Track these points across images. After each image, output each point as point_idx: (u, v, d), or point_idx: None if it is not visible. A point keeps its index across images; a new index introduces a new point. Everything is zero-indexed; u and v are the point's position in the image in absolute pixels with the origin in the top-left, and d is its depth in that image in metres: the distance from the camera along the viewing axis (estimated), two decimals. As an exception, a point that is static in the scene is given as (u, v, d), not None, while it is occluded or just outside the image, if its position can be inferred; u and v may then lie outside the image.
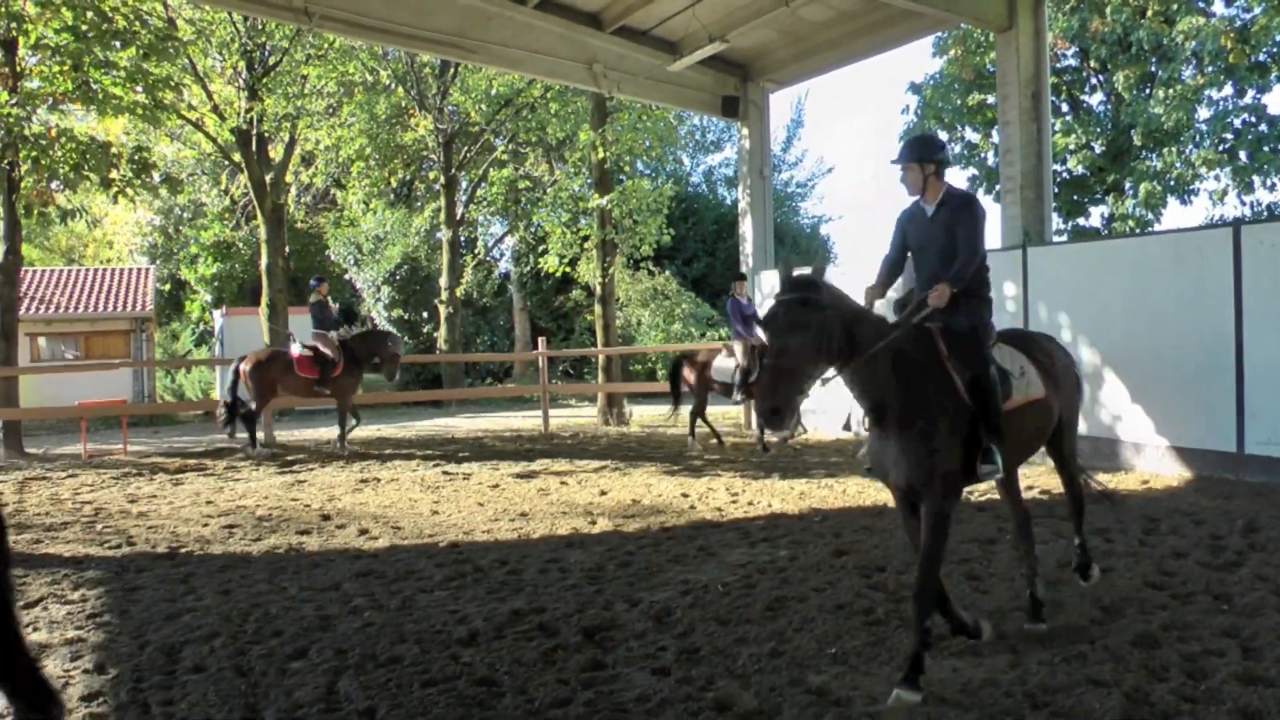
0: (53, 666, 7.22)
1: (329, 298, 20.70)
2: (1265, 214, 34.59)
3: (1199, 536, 10.25)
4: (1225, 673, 6.32)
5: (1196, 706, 5.87)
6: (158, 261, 47.05)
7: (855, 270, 21.05)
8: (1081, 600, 8.01)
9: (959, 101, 36.82)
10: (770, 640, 7.34)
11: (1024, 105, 18.14)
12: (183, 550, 11.26)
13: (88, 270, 42.27)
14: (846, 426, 18.35)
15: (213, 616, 8.39)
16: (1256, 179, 34.27)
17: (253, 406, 19.74)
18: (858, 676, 6.56)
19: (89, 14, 20.47)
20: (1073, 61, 37.76)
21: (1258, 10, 32.57)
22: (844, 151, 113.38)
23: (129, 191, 22.42)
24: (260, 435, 20.36)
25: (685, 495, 14.03)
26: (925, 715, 5.86)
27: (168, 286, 47.66)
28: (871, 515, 12.08)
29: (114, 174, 21.76)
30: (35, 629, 8.20)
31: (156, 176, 23.97)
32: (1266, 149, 33.60)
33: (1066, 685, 6.23)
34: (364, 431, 24.13)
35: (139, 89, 22.35)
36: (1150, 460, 14.86)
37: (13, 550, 11.26)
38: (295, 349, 19.79)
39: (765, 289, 23.05)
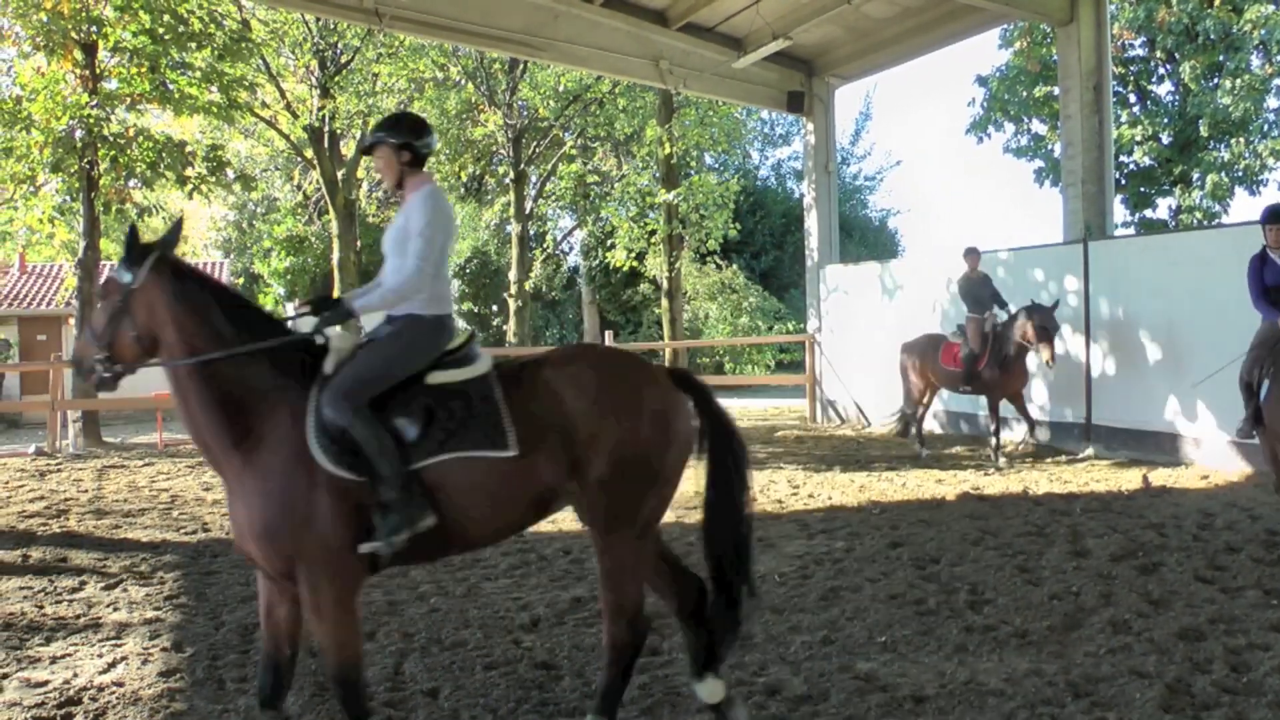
0: (132, 644, 7.50)
1: (982, 271, 17.08)
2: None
3: (1254, 531, 10.30)
4: (1269, 666, 6.42)
5: (1236, 698, 5.98)
6: (232, 255, 47.60)
7: (921, 263, 21.12)
8: (1130, 593, 8.10)
9: (1025, 94, 36.63)
10: (822, 629, 7.50)
11: (1085, 98, 18.12)
12: (256, 537, 11.53)
13: (165, 265, 42.78)
14: (904, 434, 18.02)
15: (285, 600, 8.64)
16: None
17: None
18: (905, 664, 6.71)
19: (166, 17, 20.88)
20: (1140, 52, 37.45)
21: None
22: (913, 144, 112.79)
23: (204, 188, 22.81)
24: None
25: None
26: (968, 703, 6.02)
27: (241, 280, 48.16)
28: (929, 508, 12.19)
29: (189, 171, 22.14)
30: (115, 609, 8.49)
31: (230, 173, 24.35)
32: (1335, 139, 33.27)
33: (1109, 676, 6.35)
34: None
35: (214, 89, 22.75)
36: (1210, 455, 14.84)
37: (93, 534, 11.62)
38: (951, 335, 17.19)
39: (830, 283, 23.13)
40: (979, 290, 16.62)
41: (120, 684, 6.66)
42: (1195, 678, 6.27)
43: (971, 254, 16.86)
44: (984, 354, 16.06)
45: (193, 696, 6.47)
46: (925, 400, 17.77)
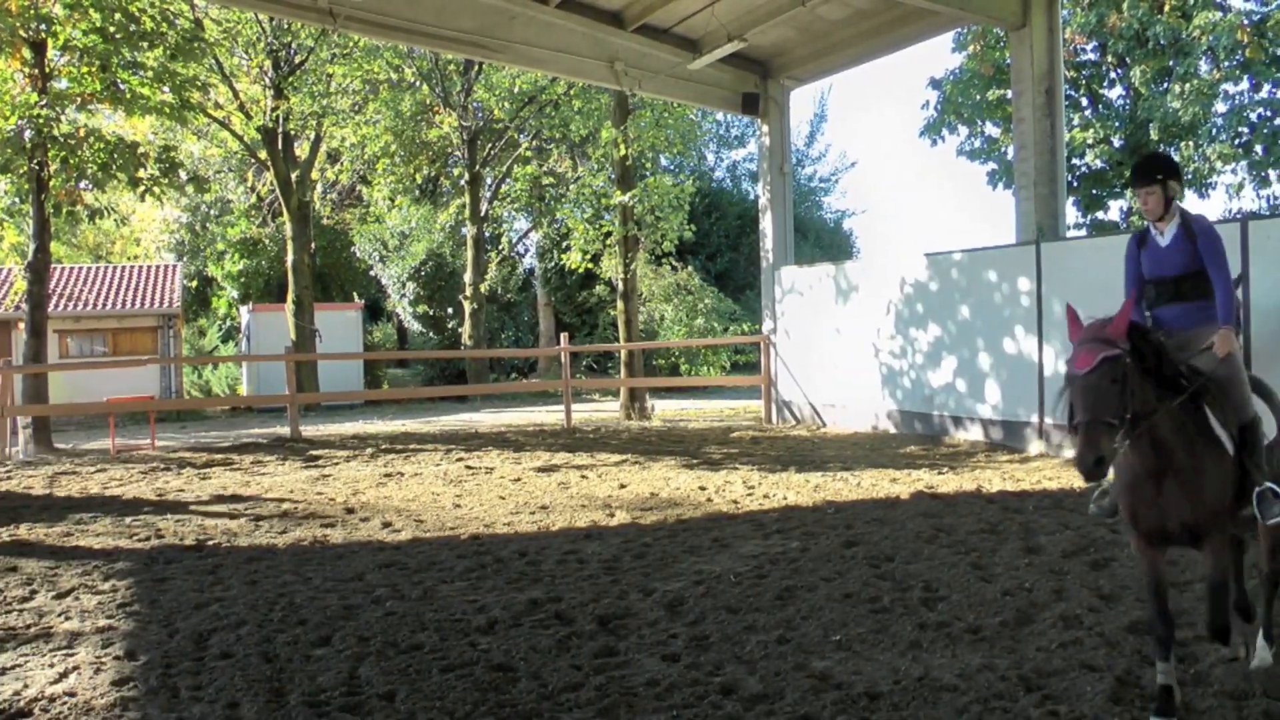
0: (84, 653, 7.45)
1: None
2: (1281, 207, 34.65)
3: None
4: (1215, 657, 6.53)
5: (1184, 689, 6.06)
6: (185, 258, 47.33)
7: (876, 264, 21.24)
8: (1081, 589, 8.19)
9: (979, 97, 36.84)
10: (778, 628, 7.54)
11: (1038, 102, 18.27)
12: (210, 543, 11.48)
13: (115, 268, 42.44)
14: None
15: (240, 606, 8.60)
16: (1272, 173, 34.20)
17: None
18: (860, 662, 6.76)
19: (117, 15, 20.71)
20: (1091, 56, 37.75)
21: (1274, 5, 32.58)
22: (868, 146, 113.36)
23: (156, 190, 22.67)
24: None
25: (703, 488, 14.21)
26: (922, 699, 6.07)
27: (195, 283, 47.97)
28: (884, 507, 12.26)
29: (141, 173, 22.00)
30: (67, 618, 8.42)
31: (183, 175, 24.22)
32: (1281, 143, 33.62)
33: (1061, 670, 6.43)
34: (388, 426, 24.38)
35: (166, 89, 22.61)
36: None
37: (44, 542, 11.54)
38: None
39: (785, 284, 23.22)
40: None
41: (72, 694, 6.59)
42: (1144, 670, 6.34)
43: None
44: None
45: (146, 705, 6.41)
46: None
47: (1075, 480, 13.75)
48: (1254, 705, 5.83)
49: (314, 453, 19.44)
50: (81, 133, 21.43)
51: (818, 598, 8.28)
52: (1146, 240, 7.38)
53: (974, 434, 18.31)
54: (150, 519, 13.05)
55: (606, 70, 23.00)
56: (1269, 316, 13.36)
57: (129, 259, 50.35)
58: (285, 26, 30.62)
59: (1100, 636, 7.00)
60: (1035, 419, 17.11)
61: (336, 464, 18.01)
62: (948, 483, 13.89)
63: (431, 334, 43.91)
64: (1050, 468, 15.06)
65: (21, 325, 25.94)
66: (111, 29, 20.74)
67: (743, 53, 22.40)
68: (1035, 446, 16.96)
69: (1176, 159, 33.47)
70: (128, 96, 21.77)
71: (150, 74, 22.07)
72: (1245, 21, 32.32)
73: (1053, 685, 6.20)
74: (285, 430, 22.07)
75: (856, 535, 10.59)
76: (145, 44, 21.53)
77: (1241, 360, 6.65)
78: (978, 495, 12.86)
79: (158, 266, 42.63)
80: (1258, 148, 34.11)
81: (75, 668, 7.13)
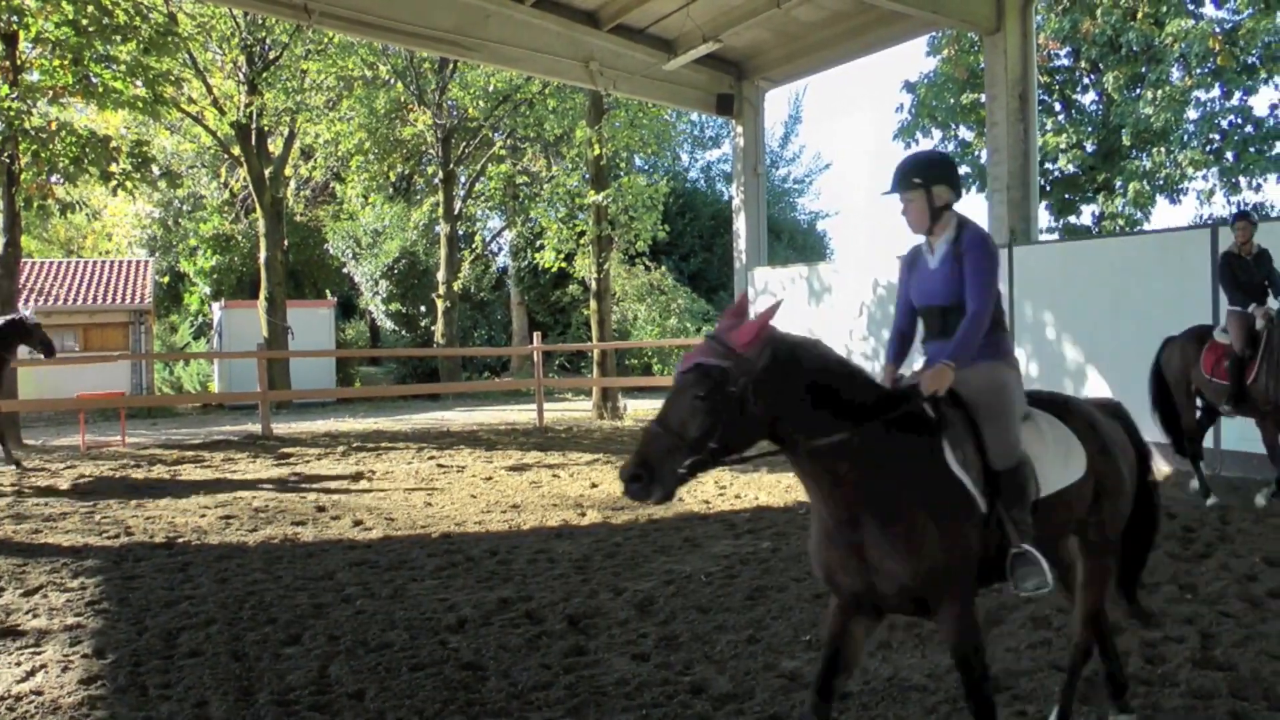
0: (52, 651, 7.41)
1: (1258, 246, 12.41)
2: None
3: (1171, 529, 10.49)
4: (1182, 657, 6.61)
5: (1151, 689, 6.14)
6: (157, 254, 47.05)
7: (849, 266, 21.28)
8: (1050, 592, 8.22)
9: (952, 100, 36.94)
10: (748, 628, 7.56)
11: (1011, 106, 18.33)
12: (180, 540, 11.41)
13: (87, 262, 42.17)
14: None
15: (209, 604, 8.58)
16: (1242, 179, 34.40)
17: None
18: (829, 662, 6.78)
19: (89, 8, 20.56)
20: (1065, 62, 37.89)
21: (1245, 14, 32.76)
22: (843, 148, 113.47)
23: (128, 185, 22.52)
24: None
25: (674, 488, 14.19)
26: (891, 699, 6.08)
27: (166, 279, 47.70)
28: (855, 508, 12.26)
29: (113, 167, 21.84)
30: (35, 615, 8.37)
31: (156, 170, 24.10)
32: (1252, 150, 33.74)
33: (1029, 670, 6.47)
34: (360, 424, 24.33)
35: (139, 83, 22.46)
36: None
37: (12, 539, 11.46)
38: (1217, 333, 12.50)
39: (758, 285, 23.24)
40: (1250, 273, 12.05)
41: (39, 692, 6.57)
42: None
43: (1243, 222, 12.20)
44: (1254, 361, 11.70)
45: (114, 704, 6.39)
46: (1196, 420, 12.91)
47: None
48: (1220, 705, 5.87)
49: (285, 450, 19.38)
50: (53, 126, 21.28)
51: (788, 598, 8.31)
52: (917, 260, 5.88)
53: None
54: (120, 515, 12.99)
55: (581, 70, 22.98)
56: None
57: (101, 254, 49.99)
58: (260, 22, 30.50)
59: (1068, 637, 7.02)
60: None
61: (308, 461, 17.95)
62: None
63: (404, 332, 43.82)
64: (1021, 470, 15.11)
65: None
66: (84, 21, 20.59)
67: (718, 54, 22.45)
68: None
69: (1148, 165, 33.75)
70: (100, 90, 21.61)
71: (123, 68, 21.94)
72: (1217, 30, 32.49)
73: (1021, 685, 6.25)
74: (257, 428, 21.98)
75: (828, 536, 10.59)
76: (118, 37, 21.37)
77: (1012, 395, 5.27)
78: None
79: (129, 262, 42.43)
80: (1228, 154, 34.32)
81: (43, 666, 7.11)
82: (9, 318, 18.66)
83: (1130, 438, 5.97)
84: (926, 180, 5.68)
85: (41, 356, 19.14)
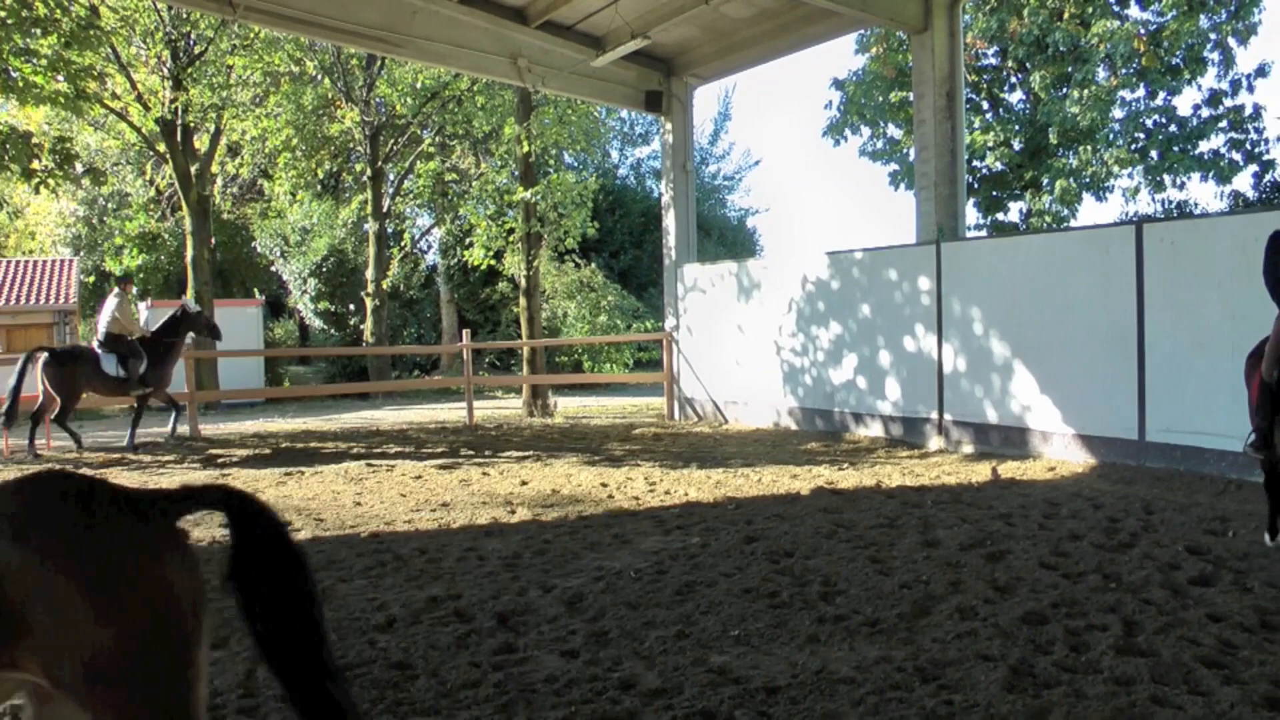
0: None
1: None
2: (1175, 211, 35.36)
3: (1097, 520, 10.66)
4: (1105, 645, 6.68)
5: (1075, 676, 6.20)
6: (81, 253, 46.52)
7: (779, 262, 21.36)
8: (977, 581, 8.30)
9: (881, 98, 37.16)
10: (677, 623, 7.56)
11: (939, 104, 18.47)
12: (105, 540, 11.28)
13: (9, 262, 41.65)
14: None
15: (134, 605, 8.47)
16: (1167, 177, 34.93)
17: None
18: (758, 656, 6.79)
19: (7, 0, 20.31)
20: (992, 61, 38.20)
21: (1169, 16, 33.19)
22: (772, 145, 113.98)
23: (51, 182, 22.22)
24: None
25: (604, 485, 14.22)
26: (819, 692, 6.12)
27: (92, 278, 47.17)
28: (784, 503, 12.33)
29: (35, 164, 21.53)
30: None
31: (79, 167, 23.81)
32: (1176, 149, 34.25)
33: (956, 660, 6.52)
34: (289, 424, 24.19)
35: (60, 78, 22.16)
36: (1057, 448, 15.26)
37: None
38: None
39: (687, 282, 23.30)
40: None
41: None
42: (1037, 659, 6.49)
43: None
44: None
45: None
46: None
47: (973, 475, 13.97)
48: (1141, 690, 5.95)
49: (213, 452, 19.22)
50: (-29, 123, 21.00)
51: (717, 593, 8.32)
52: None
53: (874, 430, 18.48)
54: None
55: (509, 67, 22.93)
56: (1182, 312, 13.63)
57: (24, 253, 49.39)
58: (184, 16, 30.22)
59: (995, 627, 7.11)
60: (934, 415, 17.30)
61: (236, 463, 17.81)
62: (848, 479, 14.02)
63: (333, 331, 43.60)
64: (949, 463, 15.29)
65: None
66: (2, 14, 20.30)
67: (646, 50, 22.46)
68: (934, 442, 17.17)
69: (1074, 163, 34.11)
70: (20, 85, 21.30)
71: (44, 62, 21.60)
72: (1141, 31, 32.93)
73: (948, 675, 6.29)
74: (184, 429, 21.78)
75: (757, 531, 10.65)
76: (38, 30, 21.05)
77: None
78: (877, 490, 13.00)
79: (54, 261, 41.96)
80: (1153, 153, 34.82)
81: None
82: (176, 307, 20.10)
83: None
84: None
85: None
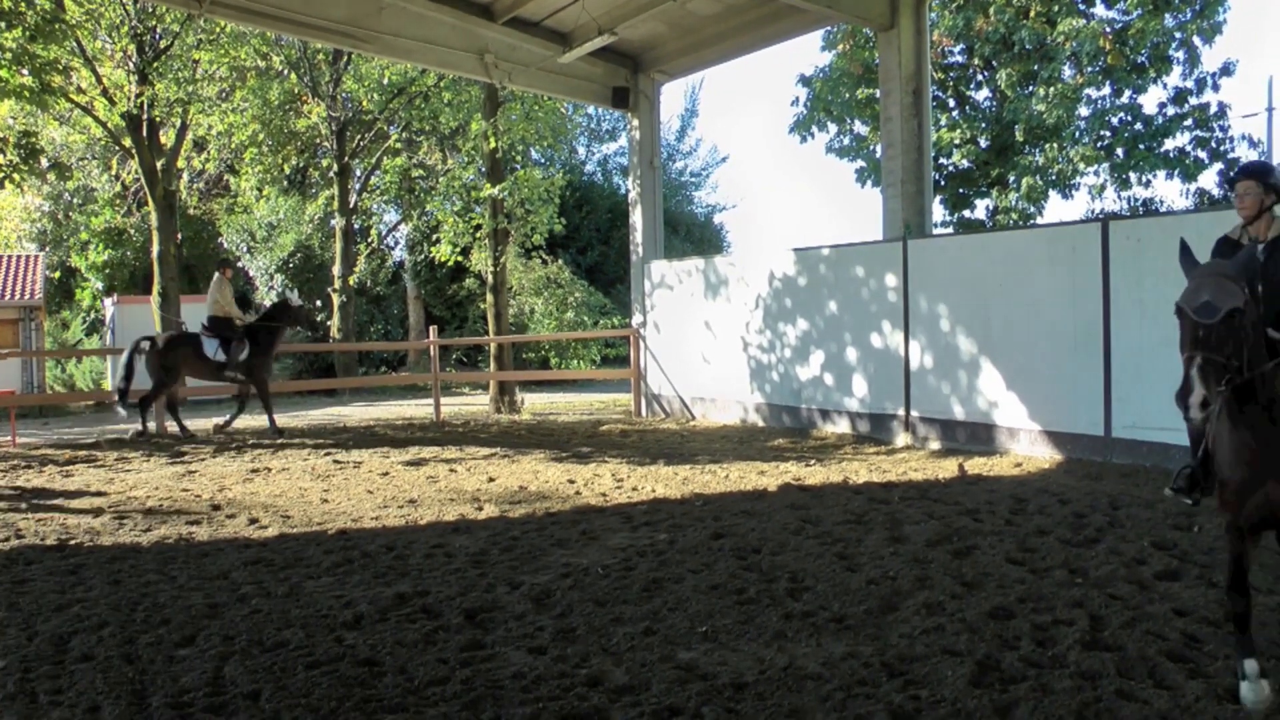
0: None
1: None
2: (1141, 208, 35.54)
3: (1063, 515, 10.72)
4: (1071, 640, 6.74)
5: (1042, 671, 6.26)
6: (47, 248, 46.22)
7: (746, 259, 21.38)
8: (944, 576, 8.33)
9: (848, 95, 37.18)
10: (645, 619, 7.57)
11: (905, 102, 18.52)
12: (72, 542, 11.20)
13: (-26, 257, 41.53)
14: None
15: (102, 606, 8.42)
16: (1133, 175, 35.11)
17: None
18: (726, 652, 6.81)
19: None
20: (959, 59, 38.28)
21: (1135, 14, 33.34)
22: (740, 142, 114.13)
23: (16, 177, 22.13)
24: None
25: (571, 481, 14.21)
26: (786, 688, 6.13)
27: (58, 274, 46.89)
28: (751, 499, 12.36)
29: (0, 159, 21.46)
30: (-80, 616, 8.22)
31: (45, 161, 23.72)
32: (1142, 147, 34.41)
33: (923, 655, 6.55)
34: (255, 421, 24.08)
35: (25, 71, 22.05)
36: (1024, 444, 15.33)
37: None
38: None
39: (655, 278, 23.31)
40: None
41: (-76, 701, 6.42)
42: (1004, 654, 6.54)
43: (1248, 181, 7.93)
44: None
45: (3, 711, 6.27)
46: None
47: (940, 471, 14.02)
48: (1107, 685, 6.00)
49: (181, 449, 19.13)
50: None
51: (685, 589, 8.33)
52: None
53: (841, 426, 18.52)
54: (8, 518, 12.74)
55: (476, 63, 22.89)
56: (1148, 309, 13.68)
57: (-12, 248, 49.17)
58: (150, 10, 30.03)
59: (962, 622, 7.16)
60: (901, 412, 17.36)
61: (203, 460, 17.73)
62: (815, 475, 14.05)
63: (299, 326, 43.44)
64: (916, 459, 15.33)
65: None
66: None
67: (613, 46, 22.46)
68: (901, 439, 17.23)
69: (1040, 160, 34.23)
70: (-16, 79, 21.22)
71: (8, 56, 21.47)
72: (1107, 30, 33.03)
73: (915, 671, 6.33)
74: (151, 425, 21.66)
75: (724, 527, 10.66)
76: (2, 24, 20.93)
77: None
78: (844, 487, 13.03)
79: (19, 257, 41.67)
80: (1119, 150, 34.95)
81: (-73, 674, 6.94)
82: (278, 300, 20.77)
83: None
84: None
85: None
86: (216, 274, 20.43)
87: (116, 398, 20.08)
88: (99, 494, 14.38)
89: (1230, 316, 5.34)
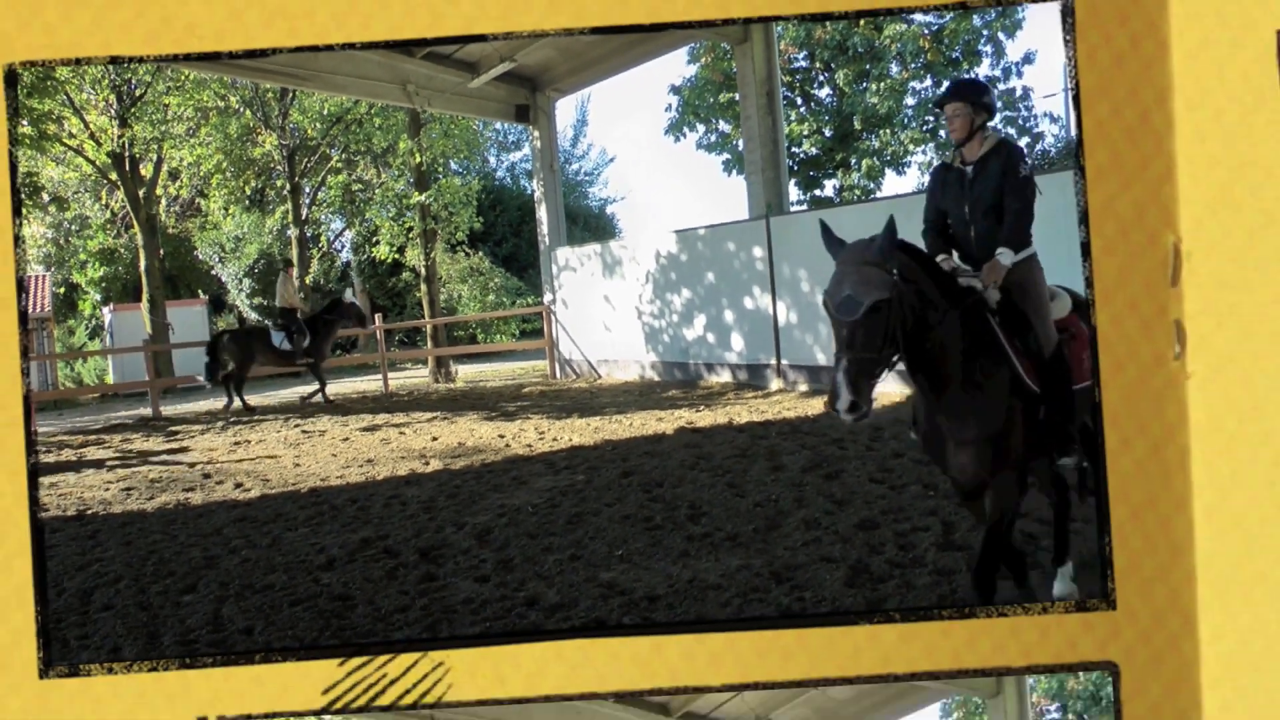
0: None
1: None
2: (958, 179, 35.90)
3: (914, 441, 10.73)
4: (928, 543, 6.77)
5: (905, 571, 6.29)
6: (52, 269, 45.30)
7: (636, 241, 21.34)
8: (818, 496, 8.33)
9: (712, 100, 37.10)
10: (570, 548, 7.52)
11: (760, 103, 18.52)
12: (89, 512, 11.03)
13: (-13, 280, 40.42)
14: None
15: (117, 564, 8.32)
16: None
17: None
18: (640, 571, 6.78)
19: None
20: (803, 63, 38.30)
21: (948, 18, 33.55)
22: (624, 143, 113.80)
23: (23, 212, 21.56)
24: None
25: (501, 436, 14.09)
26: (692, 597, 6.10)
27: (62, 290, 45.80)
28: (653, 442, 12.31)
29: (8, 197, 20.90)
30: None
31: (46, 196, 23.18)
32: (953, 129, 34.77)
33: (805, 564, 6.56)
34: (235, 402, 23.75)
35: (25, 122, 21.55)
36: (885, 381, 15.38)
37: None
38: None
39: (560, 262, 23.21)
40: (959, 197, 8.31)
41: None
42: (872, 559, 6.56)
43: (955, 103, 7.35)
44: None
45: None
46: None
47: (809, 410, 14.06)
48: (961, 579, 6.04)
49: (174, 429, 18.81)
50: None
51: (602, 521, 8.27)
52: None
53: (724, 377, 18.52)
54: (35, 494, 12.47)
55: (400, 92, 22.69)
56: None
57: None
58: (126, 65, 29.45)
59: (836, 534, 7.16)
60: (773, 361, 17.37)
61: (193, 437, 17.45)
62: (704, 418, 14.03)
63: (267, 321, 42.85)
64: (788, 400, 15.33)
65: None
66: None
67: (514, 71, 22.33)
68: (775, 384, 17.23)
69: (876, 144, 34.42)
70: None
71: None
72: (926, 31, 33.17)
73: (799, 577, 6.33)
74: (148, 411, 21.26)
75: (631, 467, 10.61)
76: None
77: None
78: (730, 427, 13.02)
79: (30, 277, 40.72)
80: (942, 132, 35.16)
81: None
82: (334, 297, 21.07)
83: None
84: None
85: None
86: (282, 272, 20.56)
87: (204, 377, 20.52)
88: (110, 469, 14.15)
89: (874, 311, 4.77)
